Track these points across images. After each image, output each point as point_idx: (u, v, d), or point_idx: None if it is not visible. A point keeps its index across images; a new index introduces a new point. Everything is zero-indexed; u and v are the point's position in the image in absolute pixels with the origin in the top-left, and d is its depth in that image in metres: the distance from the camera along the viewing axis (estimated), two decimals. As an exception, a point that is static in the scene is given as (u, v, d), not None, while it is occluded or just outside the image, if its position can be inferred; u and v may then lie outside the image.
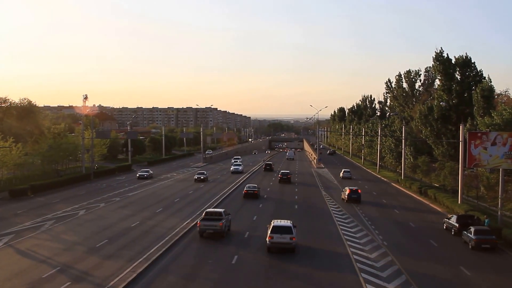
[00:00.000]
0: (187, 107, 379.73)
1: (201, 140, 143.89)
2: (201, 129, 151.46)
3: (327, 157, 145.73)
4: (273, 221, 35.30)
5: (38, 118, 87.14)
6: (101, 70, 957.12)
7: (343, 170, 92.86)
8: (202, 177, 76.12)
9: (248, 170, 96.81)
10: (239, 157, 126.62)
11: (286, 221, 35.76)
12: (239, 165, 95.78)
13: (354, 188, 60.35)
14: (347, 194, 58.50)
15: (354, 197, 57.97)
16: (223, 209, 40.33)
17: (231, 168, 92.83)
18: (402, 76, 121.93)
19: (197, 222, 39.69)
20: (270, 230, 33.36)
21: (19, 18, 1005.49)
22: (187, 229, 39.61)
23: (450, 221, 41.56)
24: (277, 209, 52.06)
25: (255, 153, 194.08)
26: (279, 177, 78.76)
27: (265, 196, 61.50)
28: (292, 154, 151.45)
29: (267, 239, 33.04)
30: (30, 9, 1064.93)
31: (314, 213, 50.08)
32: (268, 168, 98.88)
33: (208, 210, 40.19)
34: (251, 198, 58.45)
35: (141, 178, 79.57)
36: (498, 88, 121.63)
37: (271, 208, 52.82)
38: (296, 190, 69.42)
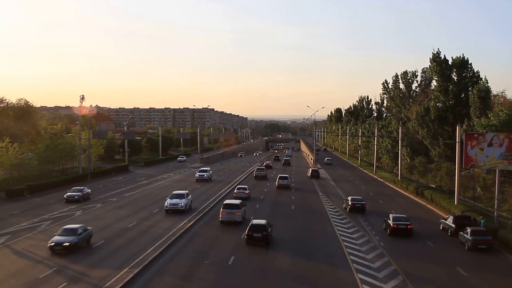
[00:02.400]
0: (184, 108, 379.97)
1: (198, 140, 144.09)
2: (198, 129, 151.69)
3: (319, 154, 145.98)
4: (278, 175, 74.84)
5: (35, 118, 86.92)
6: (98, 71, 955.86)
7: (326, 158, 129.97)
8: (66, 244, 31.96)
9: (207, 199, 57.47)
10: (207, 169, 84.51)
11: (285, 174, 76.63)
12: (180, 196, 49.99)
13: (315, 168, 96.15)
14: (310, 172, 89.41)
15: (315, 175, 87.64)
16: (267, 165, 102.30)
17: (166, 203, 48.76)
18: (399, 77, 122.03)
19: (253, 171, 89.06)
20: (277, 178, 72.58)
21: (15, 17, 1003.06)
22: (184, 229, 39.58)
23: (446, 222, 41.65)
24: (282, 172, 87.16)
25: (241, 155, 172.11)
26: (283, 161, 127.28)
27: (275, 170, 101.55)
28: (291, 152, 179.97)
29: (276, 182, 71.66)
30: (25, 9, 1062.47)
31: (300, 175, 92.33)
32: (277, 159, 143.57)
33: (258, 167, 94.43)
34: (269, 168, 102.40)
35: (70, 201, 54.76)
36: (495, 89, 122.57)
37: (280, 172, 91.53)
38: (293, 169, 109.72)
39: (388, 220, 41.09)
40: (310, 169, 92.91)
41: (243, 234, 36.43)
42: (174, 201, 48.54)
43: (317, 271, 29.70)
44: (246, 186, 61.55)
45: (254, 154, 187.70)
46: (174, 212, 47.62)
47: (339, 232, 40.77)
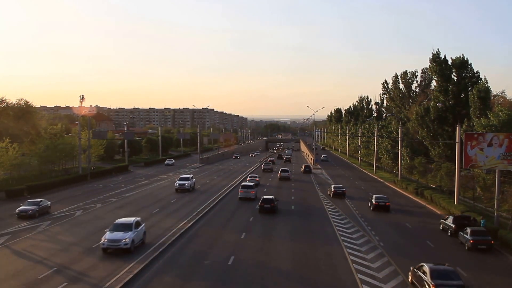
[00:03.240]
0: (184, 108, 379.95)
1: (198, 141, 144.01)
2: (198, 130, 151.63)
3: (318, 154, 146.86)
4: (280, 169, 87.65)
5: (34, 118, 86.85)
6: (97, 71, 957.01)
7: (322, 155, 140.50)
8: None
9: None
10: (188, 176, 69.33)
11: (287, 169, 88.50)
12: (126, 227, 33.31)
13: (307, 164, 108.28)
14: (302, 168, 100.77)
15: (307, 170, 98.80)
16: (271, 161, 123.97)
17: (103, 239, 32.31)
18: (399, 77, 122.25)
19: (261, 165, 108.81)
20: (279, 171, 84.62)
21: (14, 18, 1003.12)
22: (183, 229, 39.56)
23: (446, 222, 41.64)
24: (283, 167, 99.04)
25: (236, 157, 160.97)
26: (284, 159, 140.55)
27: (278, 165, 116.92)
28: (291, 152, 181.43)
29: (278, 174, 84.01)
30: (24, 9, 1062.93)
31: (299, 171, 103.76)
32: (280, 157, 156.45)
33: (265, 162, 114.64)
34: (273, 164, 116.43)
35: (23, 217, 44.45)
36: (495, 89, 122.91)
37: (281, 167, 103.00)
38: (293, 165, 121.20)
39: (371, 199, 53.83)
40: (303, 165, 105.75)
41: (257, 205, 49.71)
42: (115, 236, 32.09)
43: (312, 230, 42.51)
44: (257, 175, 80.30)
45: (250, 155, 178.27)
46: (117, 251, 31.76)
47: (331, 215, 48.40)
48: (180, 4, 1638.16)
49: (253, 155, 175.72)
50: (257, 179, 74.73)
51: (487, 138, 44.01)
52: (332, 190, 63.07)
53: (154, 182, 77.02)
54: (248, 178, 75.09)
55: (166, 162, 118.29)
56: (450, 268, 25.70)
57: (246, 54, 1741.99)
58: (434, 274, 24.50)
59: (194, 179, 69.99)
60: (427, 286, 24.27)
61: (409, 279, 27.15)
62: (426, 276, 24.71)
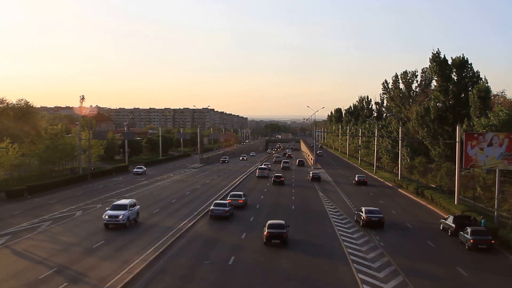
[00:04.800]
0: (184, 108, 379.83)
1: (198, 141, 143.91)
2: (198, 130, 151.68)
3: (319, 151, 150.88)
4: (282, 160, 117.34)
5: (35, 118, 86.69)
6: (98, 71, 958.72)
7: (318, 151, 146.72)
8: None
9: None
10: (126, 203, 42.28)
11: (288, 161, 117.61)
12: None
13: (301, 159, 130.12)
14: (297, 162, 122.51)
15: (301, 164, 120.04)
16: (281, 155, 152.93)
17: None
18: (399, 77, 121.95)
19: (273, 157, 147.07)
20: (281, 163, 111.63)
21: (15, 17, 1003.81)
22: (184, 229, 39.58)
23: (446, 222, 41.64)
24: (285, 160, 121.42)
25: (224, 160, 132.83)
26: (287, 156, 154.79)
27: (281, 160, 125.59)
28: (290, 151, 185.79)
29: (280, 165, 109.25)
30: (24, 9, 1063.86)
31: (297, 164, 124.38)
32: (284, 154, 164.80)
33: (276, 155, 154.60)
34: (280, 158, 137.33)
35: None
36: (495, 89, 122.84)
37: (283, 160, 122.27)
38: (294, 160, 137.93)
39: (355, 178, 79.73)
40: (298, 159, 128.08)
41: (270, 180, 77.56)
42: None
43: (306, 193, 62.72)
44: (269, 163, 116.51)
45: (241, 158, 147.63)
46: None
47: (318, 187, 71.56)
48: (180, 4, 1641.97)
49: (245, 158, 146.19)
50: (269, 165, 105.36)
51: (487, 138, 44.00)
52: (310, 175, 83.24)
53: (154, 182, 76.98)
54: (263, 164, 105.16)
55: (134, 170, 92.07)
56: (377, 208, 44.83)
57: (246, 54, 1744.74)
58: (367, 211, 42.77)
59: (137, 206, 44.41)
60: (363, 218, 42.41)
61: (354, 219, 45.35)
62: (362, 213, 43.05)
